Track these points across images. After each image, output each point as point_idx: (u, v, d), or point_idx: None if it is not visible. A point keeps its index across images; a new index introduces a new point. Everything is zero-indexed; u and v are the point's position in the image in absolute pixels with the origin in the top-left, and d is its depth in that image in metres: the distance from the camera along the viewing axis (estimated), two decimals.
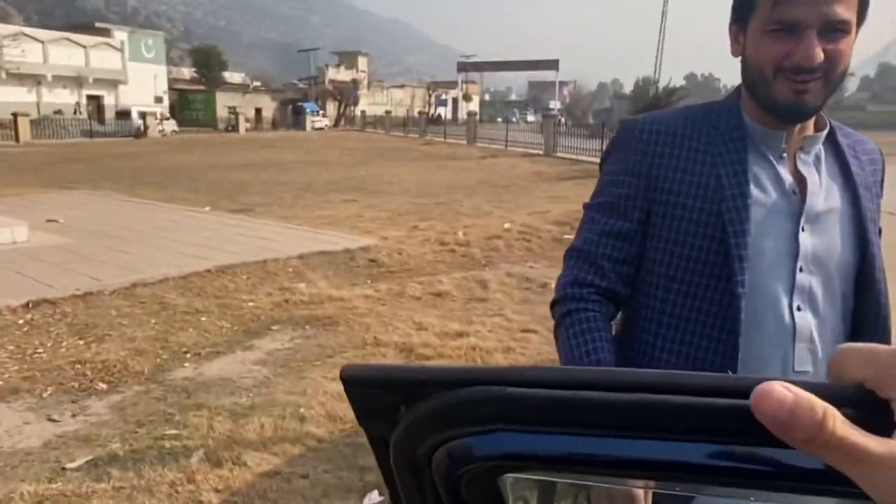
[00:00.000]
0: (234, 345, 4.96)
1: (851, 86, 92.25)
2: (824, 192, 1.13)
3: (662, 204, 1.15)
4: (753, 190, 1.11)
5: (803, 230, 1.11)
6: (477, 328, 5.09)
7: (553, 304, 1.24)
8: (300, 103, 54.50)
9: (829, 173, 1.15)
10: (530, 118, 55.59)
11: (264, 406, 3.89)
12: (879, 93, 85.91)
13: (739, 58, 1.14)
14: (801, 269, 1.10)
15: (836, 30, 1.02)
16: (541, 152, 23.06)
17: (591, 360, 1.11)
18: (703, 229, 1.11)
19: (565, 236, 8.93)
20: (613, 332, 1.20)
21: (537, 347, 4.75)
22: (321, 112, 54.43)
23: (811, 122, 1.15)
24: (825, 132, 1.16)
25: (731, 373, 1.01)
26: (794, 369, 1.10)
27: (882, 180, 1.24)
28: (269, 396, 4.03)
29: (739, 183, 1.11)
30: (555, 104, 61.37)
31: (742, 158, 1.12)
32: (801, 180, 1.13)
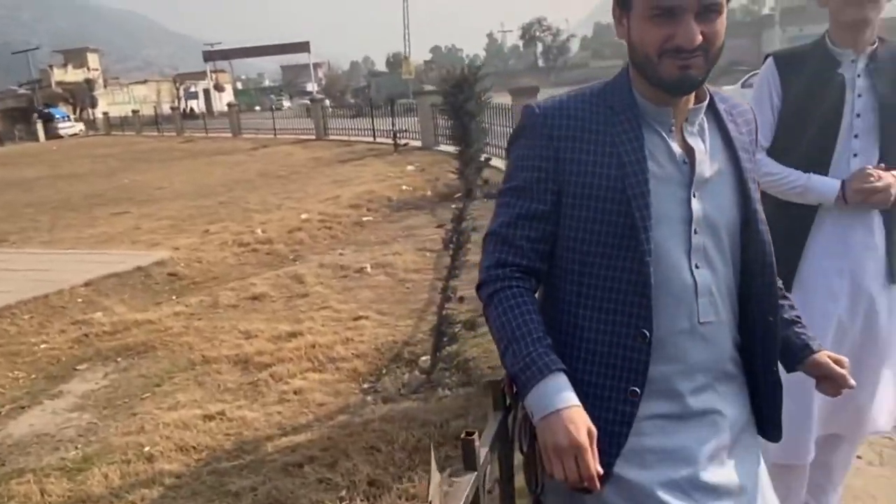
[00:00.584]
0: (37, 395, 4.38)
1: (574, 46, 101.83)
2: (710, 159, 1.25)
3: (572, 185, 1.23)
4: (650, 164, 1.21)
5: (694, 196, 1.23)
6: (308, 325, 4.99)
7: (479, 288, 1.31)
8: (47, 110, 48.42)
9: (713, 140, 1.28)
10: (286, 104, 54.06)
11: (101, 454, 3.50)
12: (598, 49, 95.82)
13: (624, 40, 1.24)
14: (695, 232, 1.23)
15: (710, 11, 1.14)
16: (312, 137, 22.77)
17: (523, 331, 1.20)
18: (610, 205, 1.21)
19: (364, 219, 8.99)
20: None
21: (373, 332, 4.78)
22: (70, 117, 48.81)
23: (692, 95, 1.27)
24: (706, 102, 1.28)
25: (647, 332, 1.20)
26: (699, 321, 1.23)
27: (756, 138, 1.40)
28: (102, 443, 3.64)
29: (637, 160, 1.20)
30: (312, 87, 60.63)
31: (638, 136, 1.22)
32: (689, 150, 1.24)
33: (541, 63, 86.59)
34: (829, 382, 1.34)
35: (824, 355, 1.35)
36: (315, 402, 3.82)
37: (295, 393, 3.94)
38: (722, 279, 1.26)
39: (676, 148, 1.24)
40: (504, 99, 11.62)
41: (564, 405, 1.13)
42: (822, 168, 1.99)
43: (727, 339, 1.28)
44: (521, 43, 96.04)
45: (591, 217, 1.22)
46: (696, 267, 1.23)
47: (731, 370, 1.30)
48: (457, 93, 3.39)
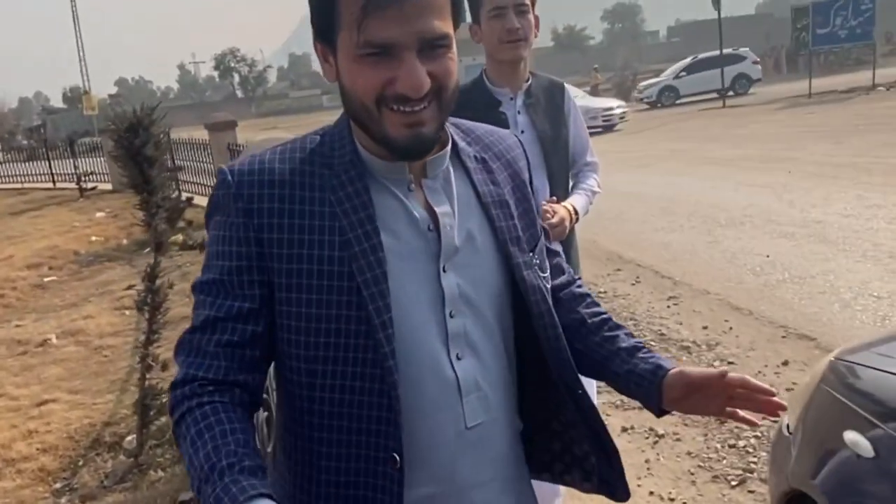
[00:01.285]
0: None
1: (272, 77, 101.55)
2: (459, 221, 1.01)
3: (284, 273, 0.95)
4: (384, 238, 0.95)
5: (444, 271, 0.98)
6: None
7: (170, 412, 0.98)
8: None
9: (461, 196, 1.03)
10: None
11: None
12: (296, 80, 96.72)
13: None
14: (451, 315, 0.98)
15: (436, 46, 0.91)
16: None
17: (213, 459, 0.86)
18: (336, 297, 0.94)
19: (46, 279, 7.81)
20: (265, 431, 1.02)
21: (63, 417, 4.08)
22: None
23: None
24: (448, 148, 1.03)
25: (397, 456, 0.93)
26: (467, 426, 1.00)
27: (529, 176, 1.17)
28: None
29: (367, 233, 0.94)
30: None
31: (365, 202, 0.96)
32: (433, 213, 0.99)
33: (239, 94, 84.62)
34: (711, 393, 1.03)
35: (686, 368, 1.06)
36: None
37: None
38: (491, 366, 1.02)
39: (419, 211, 0.99)
40: (201, 133, 11.00)
41: None
42: None
43: (503, 438, 1.05)
44: (216, 74, 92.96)
45: (312, 313, 0.95)
46: (458, 358, 0.99)
47: (512, 473, 1.08)
48: (131, 137, 3.00)
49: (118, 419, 3.97)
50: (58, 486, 3.42)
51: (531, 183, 1.17)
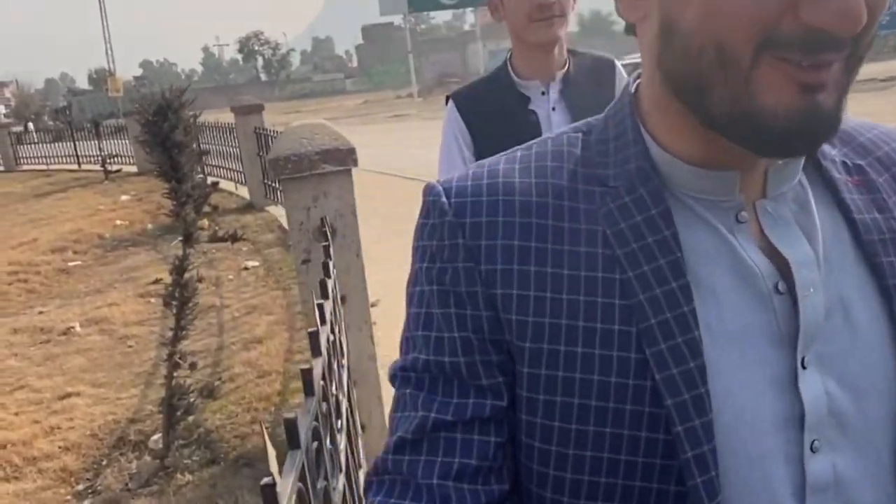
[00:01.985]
0: None
1: (295, 60, 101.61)
2: (827, 276, 0.57)
3: (528, 358, 0.57)
4: (700, 306, 0.55)
5: (804, 367, 0.55)
6: None
7: None
8: None
9: (827, 233, 0.59)
10: None
11: None
12: (319, 63, 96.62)
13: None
14: (813, 448, 0.55)
15: None
16: (2, 168, 19.50)
17: None
18: (616, 404, 0.54)
19: (71, 264, 7.68)
20: None
21: (87, 412, 3.91)
22: None
23: None
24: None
25: None
26: None
27: None
28: None
29: (671, 295, 0.55)
30: None
31: (667, 241, 0.56)
32: (782, 261, 0.57)
33: (263, 77, 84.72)
34: None
35: None
36: None
37: None
38: None
39: (755, 257, 0.57)
40: (225, 117, 10.81)
41: None
42: None
43: None
44: (240, 57, 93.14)
45: (572, 430, 0.55)
46: None
47: None
48: (160, 121, 2.78)
49: (143, 416, 3.79)
50: (80, 487, 3.25)
51: None
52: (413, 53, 52.33)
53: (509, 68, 1.71)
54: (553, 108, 1.67)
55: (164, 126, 2.81)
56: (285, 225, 8.15)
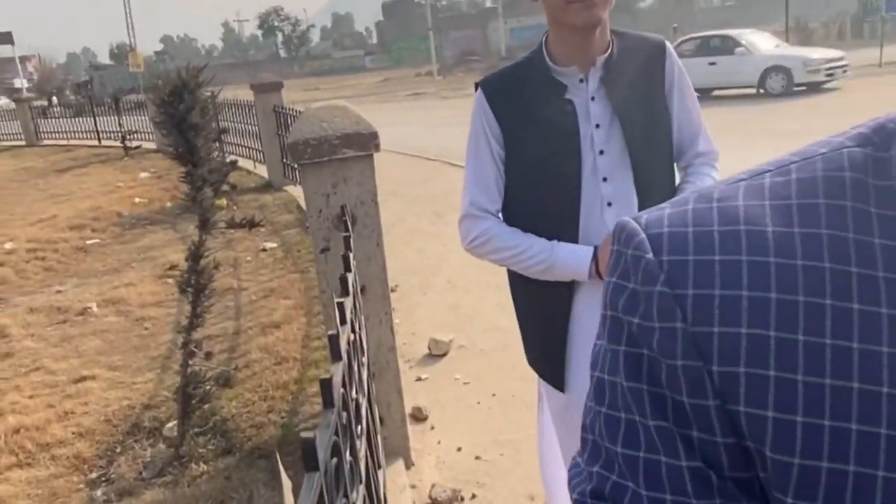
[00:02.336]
0: None
1: (315, 36, 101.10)
2: None
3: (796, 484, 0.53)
4: None
5: None
6: (12, 399, 3.89)
7: None
8: None
9: None
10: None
11: None
12: (339, 40, 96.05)
13: None
14: None
15: None
16: (22, 143, 19.57)
17: None
18: None
19: (89, 242, 7.64)
20: None
21: (101, 397, 3.85)
22: None
23: None
24: None
25: None
26: None
27: None
28: None
29: None
30: (21, 83, 52.91)
31: None
32: None
33: (283, 53, 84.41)
34: None
35: None
36: None
37: None
38: None
39: None
40: (245, 94, 10.69)
41: None
42: (570, 228, 1.53)
43: None
44: (259, 33, 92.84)
45: None
46: None
47: None
48: (175, 102, 2.67)
49: (158, 402, 3.72)
50: (93, 475, 3.19)
51: None
52: (433, 30, 51.76)
53: (545, 52, 1.53)
54: (592, 98, 1.51)
55: (179, 107, 2.69)
56: (304, 206, 8.07)
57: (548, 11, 1.47)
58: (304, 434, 0.97)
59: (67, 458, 3.28)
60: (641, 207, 1.55)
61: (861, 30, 32.32)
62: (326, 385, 1.22)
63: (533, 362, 1.77)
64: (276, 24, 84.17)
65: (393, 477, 2.80)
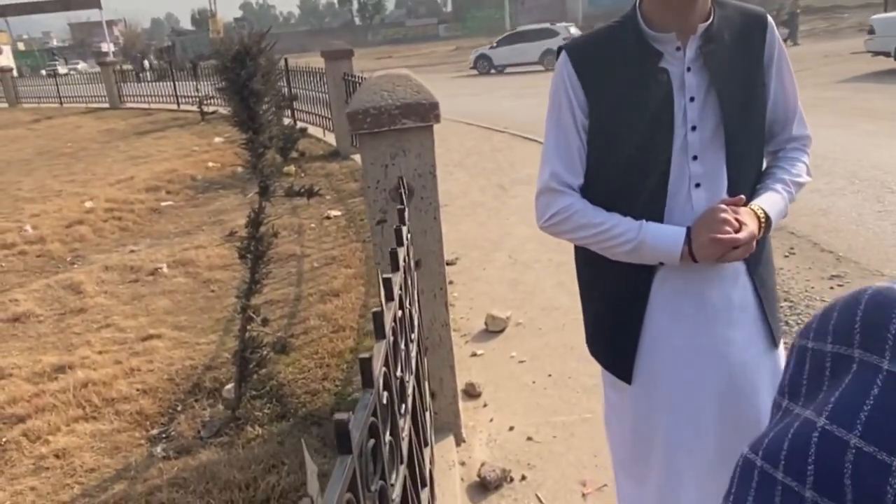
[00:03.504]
0: None
1: (390, 4, 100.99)
2: None
3: None
4: None
5: None
6: (82, 354, 4.05)
7: None
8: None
9: None
10: (61, 69, 46.63)
11: None
12: (413, 8, 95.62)
13: None
14: None
15: None
16: (106, 105, 20.34)
17: None
18: None
19: (163, 204, 7.88)
20: None
21: (166, 356, 3.96)
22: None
23: None
24: None
25: None
26: None
27: None
28: None
29: None
30: (108, 47, 54.89)
31: None
32: None
33: (357, 21, 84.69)
34: None
35: None
36: (84, 468, 2.99)
37: (57, 456, 3.08)
38: None
39: None
40: (319, 61, 10.75)
41: None
42: (655, 209, 1.44)
43: None
44: (336, 0, 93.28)
45: None
46: None
47: None
48: (237, 68, 2.66)
49: (219, 363, 3.81)
50: (154, 432, 3.29)
51: None
52: None
53: (639, 16, 1.42)
54: (688, 69, 1.40)
55: (241, 73, 2.68)
56: None
57: None
58: (337, 416, 0.94)
59: (131, 414, 3.39)
60: (731, 190, 1.45)
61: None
62: (367, 365, 1.17)
63: (597, 351, 1.67)
64: None
65: (442, 453, 2.78)
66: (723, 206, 1.40)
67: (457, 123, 12.65)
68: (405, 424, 1.56)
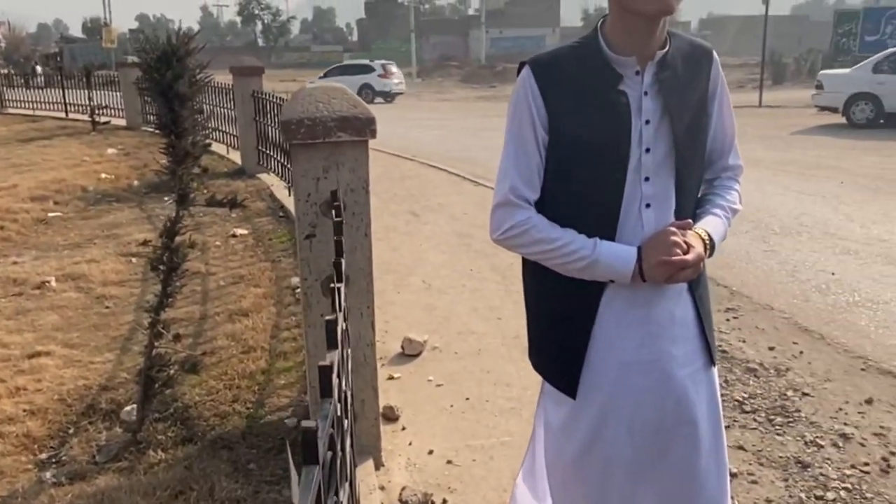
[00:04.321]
0: None
1: (295, 28, 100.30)
2: None
3: None
4: None
5: None
6: None
7: None
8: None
9: None
10: None
11: None
12: (319, 34, 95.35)
13: None
14: None
15: None
16: None
17: None
18: None
19: (51, 215, 7.37)
20: None
21: (56, 375, 3.66)
22: None
23: None
24: None
25: None
26: None
27: None
28: None
29: None
30: None
31: None
32: None
33: (261, 42, 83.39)
34: None
35: None
36: None
37: None
38: None
39: None
40: (221, 78, 10.46)
41: None
42: (607, 227, 1.47)
43: None
44: (238, 20, 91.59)
45: None
46: None
47: None
48: (162, 68, 2.53)
49: (116, 384, 3.55)
50: (43, 456, 3.02)
51: None
52: (415, 33, 51.64)
53: (601, 39, 1.45)
54: (645, 93, 1.45)
55: (166, 74, 2.56)
56: (277, 194, 7.89)
57: None
58: (305, 423, 0.89)
59: (17, 437, 3.10)
60: (677, 212, 1.51)
61: (832, 67, 33.11)
62: (326, 373, 1.12)
63: (541, 365, 1.67)
64: (257, 12, 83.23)
65: (362, 477, 2.69)
66: (672, 228, 1.46)
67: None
68: (347, 441, 1.51)
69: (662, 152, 1.47)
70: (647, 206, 1.48)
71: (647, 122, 1.45)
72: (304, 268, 2.63)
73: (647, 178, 1.47)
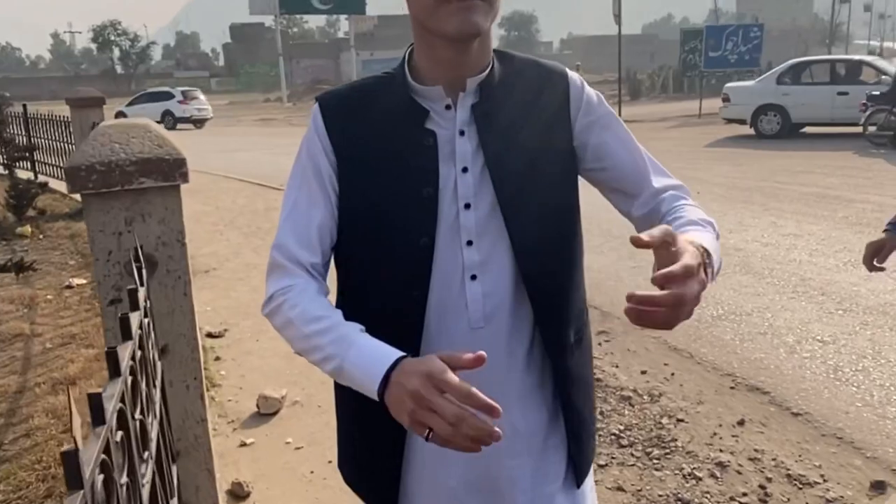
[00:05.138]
0: None
1: (156, 54, 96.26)
2: None
3: None
4: None
5: None
6: None
7: None
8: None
9: None
10: None
11: None
12: (182, 60, 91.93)
13: None
14: None
15: None
16: None
17: None
18: None
19: None
20: None
21: None
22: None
23: None
24: None
25: None
26: None
27: None
28: None
29: None
30: None
31: None
32: None
33: (119, 69, 79.25)
34: None
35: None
36: None
37: None
38: None
39: None
40: (62, 109, 9.58)
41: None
42: (414, 308, 1.12)
43: None
44: (94, 46, 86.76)
45: None
46: None
47: None
48: None
49: None
50: None
51: None
52: (284, 57, 50.77)
53: (406, 69, 1.14)
54: (461, 132, 1.12)
55: None
56: None
57: (414, 16, 1.08)
58: (64, 447, 0.71)
59: None
60: (529, 284, 1.13)
61: (682, 84, 35.38)
62: (95, 400, 0.85)
63: (352, 479, 1.32)
64: (113, 38, 79.15)
65: None
66: (440, 363, 0.89)
67: (229, 180, 11.97)
68: (148, 470, 1.19)
69: (488, 208, 1.11)
70: (473, 277, 1.12)
71: (465, 169, 1.11)
72: (112, 339, 2.21)
73: (469, 243, 1.11)
